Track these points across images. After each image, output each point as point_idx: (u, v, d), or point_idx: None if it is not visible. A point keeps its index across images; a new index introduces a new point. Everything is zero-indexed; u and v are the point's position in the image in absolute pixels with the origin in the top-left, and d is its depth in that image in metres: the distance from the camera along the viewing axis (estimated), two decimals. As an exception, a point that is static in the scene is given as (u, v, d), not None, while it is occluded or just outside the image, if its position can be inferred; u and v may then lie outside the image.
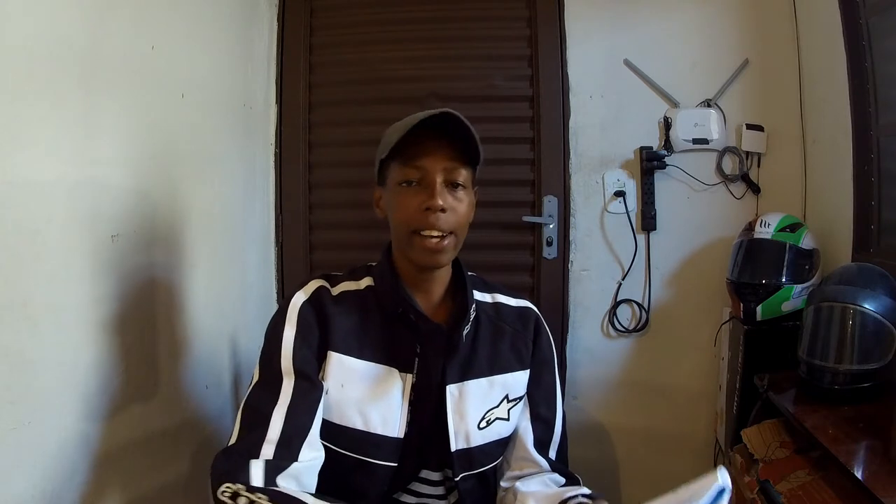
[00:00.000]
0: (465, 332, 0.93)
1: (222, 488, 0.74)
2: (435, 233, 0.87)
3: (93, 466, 1.02)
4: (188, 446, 1.34)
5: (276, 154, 1.92)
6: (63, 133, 0.97)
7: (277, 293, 1.92)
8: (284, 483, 0.78)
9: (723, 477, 0.57)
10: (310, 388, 0.85)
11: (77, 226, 1.00)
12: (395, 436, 0.89)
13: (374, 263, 0.99)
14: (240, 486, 0.75)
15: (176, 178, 1.33)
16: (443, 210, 0.86)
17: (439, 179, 0.87)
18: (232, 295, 1.63)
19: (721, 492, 0.55)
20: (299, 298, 0.91)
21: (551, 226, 1.85)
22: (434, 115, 0.85)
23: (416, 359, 0.91)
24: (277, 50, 1.92)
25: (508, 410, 0.96)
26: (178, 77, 1.33)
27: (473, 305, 0.96)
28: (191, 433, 1.35)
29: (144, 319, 1.19)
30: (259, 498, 0.74)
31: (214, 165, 1.53)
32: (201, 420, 1.38)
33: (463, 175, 0.90)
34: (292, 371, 0.85)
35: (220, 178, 1.58)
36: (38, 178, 0.91)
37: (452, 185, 0.89)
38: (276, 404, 0.82)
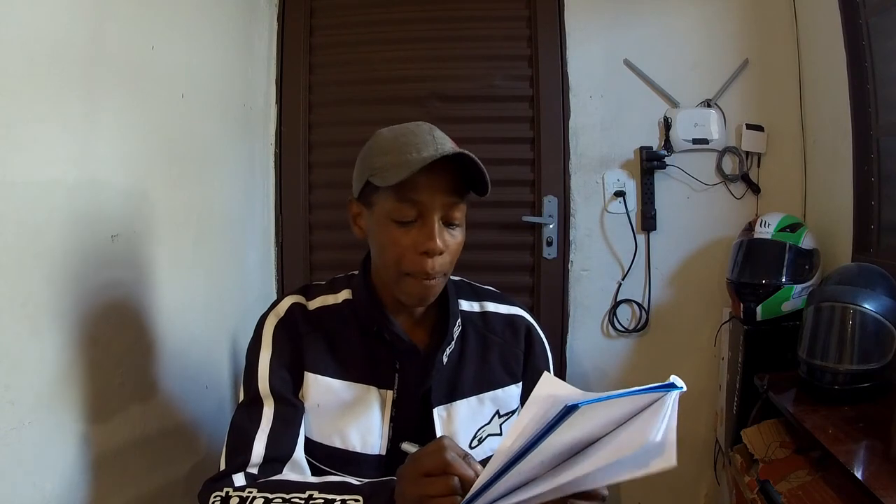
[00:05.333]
0: (445, 354, 0.89)
1: (212, 499, 0.76)
2: (430, 279, 0.81)
3: (92, 466, 1.01)
4: (188, 446, 1.34)
5: (276, 154, 1.92)
6: (63, 133, 0.97)
7: (277, 293, 1.92)
8: None
9: (674, 378, 0.58)
10: (290, 411, 0.84)
11: (77, 226, 1.00)
12: (376, 453, 0.86)
13: (356, 273, 0.94)
14: (227, 489, 0.76)
15: (176, 178, 1.32)
16: (440, 253, 0.80)
17: (437, 217, 0.80)
18: (232, 295, 1.63)
19: (671, 386, 0.56)
20: (272, 319, 0.89)
21: (551, 226, 1.85)
22: (448, 156, 0.77)
23: (396, 374, 0.87)
24: (277, 50, 1.92)
25: (500, 426, 0.93)
26: (178, 77, 1.33)
27: (458, 323, 0.91)
28: (190, 433, 1.35)
29: (144, 319, 1.19)
30: (249, 493, 0.75)
31: (214, 165, 1.53)
32: (201, 420, 1.38)
33: (462, 212, 0.83)
34: (270, 395, 0.84)
35: (220, 178, 1.58)
36: (38, 178, 0.91)
37: (448, 224, 0.82)
38: (257, 429, 0.82)
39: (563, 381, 0.57)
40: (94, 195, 1.04)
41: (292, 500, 0.73)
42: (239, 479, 0.79)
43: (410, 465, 0.67)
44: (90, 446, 1.01)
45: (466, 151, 0.78)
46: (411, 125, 0.85)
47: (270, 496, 0.74)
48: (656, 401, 0.57)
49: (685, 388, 0.57)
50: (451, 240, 0.83)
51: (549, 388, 0.55)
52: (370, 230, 0.86)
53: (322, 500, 0.72)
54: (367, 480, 0.76)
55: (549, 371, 0.99)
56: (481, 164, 0.79)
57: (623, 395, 0.55)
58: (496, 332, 0.95)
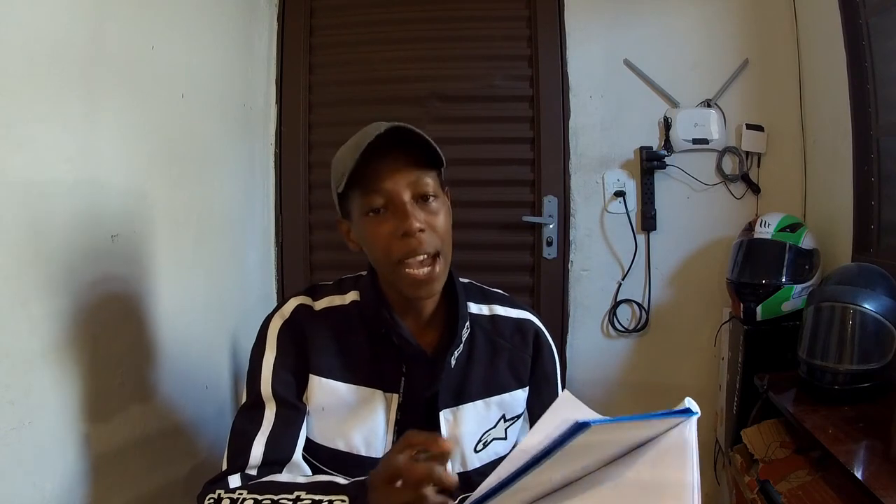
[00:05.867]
0: (454, 357, 0.88)
1: (206, 502, 0.77)
2: (420, 258, 0.80)
3: (92, 466, 1.02)
4: (187, 447, 1.34)
5: (276, 154, 1.92)
6: (63, 133, 0.97)
7: (277, 293, 1.92)
8: None
9: (689, 402, 0.58)
10: (291, 414, 0.84)
11: (77, 226, 1.00)
12: (379, 456, 0.85)
13: (364, 274, 0.93)
14: (220, 491, 0.77)
15: (176, 178, 1.32)
16: (421, 230, 0.79)
17: (407, 198, 0.80)
18: (232, 295, 1.63)
19: (686, 412, 0.56)
20: (277, 321, 0.88)
21: (551, 226, 1.85)
22: (381, 134, 0.77)
23: (402, 378, 0.86)
24: (277, 50, 1.92)
25: (506, 430, 0.92)
26: (178, 77, 1.33)
27: (466, 326, 0.90)
28: (190, 434, 1.35)
29: (144, 319, 1.19)
30: (239, 494, 0.75)
31: (214, 165, 1.53)
32: (201, 420, 1.38)
33: (430, 184, 0.82)
34: (273, 397, 0.84)
35: (220, 178, 1.58)
36: (38, 178, 0.91)
37: (423, 199, 0.81)
38: (257, 432, 0.82)
39: (581, 403, 0.56)
40: (94, 195, 1.05)
41: (280, 500, 0.73)
42: (234, 481, 0.79)
43: (378, 471, 0.66)
44: (90, 446, 1.01)
45: (401, 124, 0.78)
46: (366, 127, 0.85)
47: (260, 497, 0.74)
48: (672, 428, 0.56)
49: (699, 413, 0.57)
50: (430, 216, 0.81)
51: (568, 408, 0.55)
52: (359, 238, 0.86)
53: (309, 501, 0.72)
54: (353, 479, 0.75)
55: (556, 376, 0.99)
56: (418, 131, 0.79)
57: (638, 419, 0.54)
58: (505, 336, 0.94)
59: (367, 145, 0.77)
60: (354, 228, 0.86)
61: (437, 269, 0.82)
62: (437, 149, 0.81)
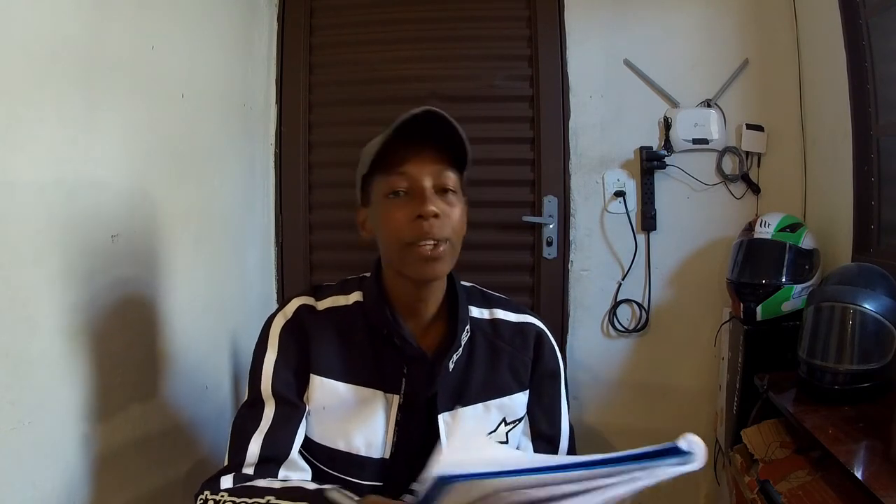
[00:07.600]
0: (452, 360, 0.89)
1: (196, 502, 0.78)
2: (430, 241, 0.81)
3: (92, 467, 1.02)
4: (188, 447, 1.34)
5: (276, 154, 1.92)
6: (63, 133, 0.97)
7: (277, 293, 1.92)
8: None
9: (689, 442, 0.53)
10: (290, 412, 0.85)
11: (77, 226, 1.00)
12: (380, 457, 0.87)
13: (367, 275, 0.94)
14: (207, 492, 0.78)
15: (176, 178, 1.32)
16: (436, 216, 0.81)
17: (428, 185, 0.82)
18: (232, 295, 1.63)
19: (675, 450, 0.50)
20: (280, 321, 0.89)
21: (551, 226, 1.85)
22: (417, 116, 0.78)
23: (403, 379, 0.87)
24: (277, 50, 1.92)
25: (507, 433, 0.92)
26: (178, 77, 1.33)
27: (466, 330, 0.91)
28: (190, 434, 1.35)
29: (144, 319, 1.19)
30: (222, 497, 0.76)
31: (214, 165, 1.53)
32: (201, 421, 1.38)
33: (452, 179, 0.85)
34: (272, 396, 0.85)
35: (220, 178, 1.58)
36: (38, 178, 0.91)
37: (443, 191, 0.83)
38: (256, 429, 0.83)
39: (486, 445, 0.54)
40: (94, 195, 1.04)
41: None
42: (226, 482, 0.79)
43: None
44: (90, 446, 1.01)
45: (436, 109, 0.80)
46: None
47: (237, 500, 0.75)
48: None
49: (698, 462, 0.51)
50: (446, 207, 0.83)
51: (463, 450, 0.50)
52: (373, 224, 0.87)
53: None
54: (318, 487, 0.76)
55: (560, 373, 0.98)
56: (452, 120, 0.81)
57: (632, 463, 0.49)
58: (505, 339, 0.94)
59: (401, 125, 0.78)
60: (371, 213, 0.88)
61: (442, 250, 0.82)
62: (468, 145, 0.83)
